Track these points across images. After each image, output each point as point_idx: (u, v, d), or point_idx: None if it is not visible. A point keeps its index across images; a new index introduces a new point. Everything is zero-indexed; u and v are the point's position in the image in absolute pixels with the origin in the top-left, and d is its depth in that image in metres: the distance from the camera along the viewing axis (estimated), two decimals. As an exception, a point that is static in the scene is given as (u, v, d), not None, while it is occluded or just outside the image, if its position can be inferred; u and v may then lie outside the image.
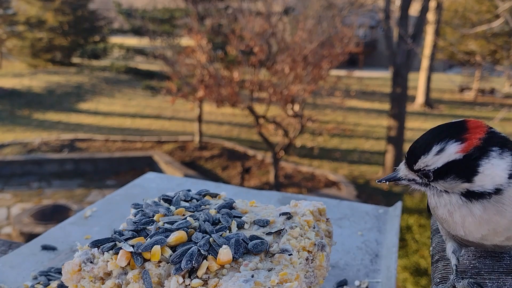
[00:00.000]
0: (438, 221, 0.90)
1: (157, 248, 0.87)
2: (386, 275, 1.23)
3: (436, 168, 0.78)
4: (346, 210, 1.56)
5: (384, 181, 0.87)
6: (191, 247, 0.87)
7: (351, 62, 20.40)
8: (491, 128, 0.78)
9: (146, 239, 0.90)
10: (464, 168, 0.76)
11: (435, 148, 0.77)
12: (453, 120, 0.82)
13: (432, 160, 0.77)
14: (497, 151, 0.75)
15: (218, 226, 0.95)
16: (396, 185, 0.84)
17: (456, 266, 0.92)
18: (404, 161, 0.84)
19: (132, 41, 15.05)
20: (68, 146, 12.22)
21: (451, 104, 18.33)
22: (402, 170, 0.84)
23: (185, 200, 1.10)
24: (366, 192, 10.20)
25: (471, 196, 0.78)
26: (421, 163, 0.79)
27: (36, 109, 15.53)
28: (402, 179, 0.84)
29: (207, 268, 0.84)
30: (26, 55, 21.50)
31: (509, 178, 0.75)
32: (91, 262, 0.90)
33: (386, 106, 13.41)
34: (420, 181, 0.83)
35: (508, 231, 0.80)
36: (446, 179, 0.78)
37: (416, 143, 0.82)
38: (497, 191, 0.76)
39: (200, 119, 12.65)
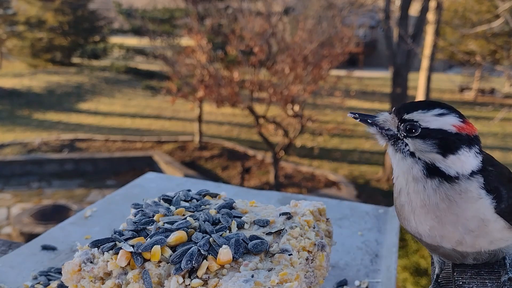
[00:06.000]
0: (397, 212, 0.91)
1: (157, 248, 0.87)
2: (386, 275, 1.23)
3: (427, 127, 0.80)
4: (346, 210, 1.56)
5: (357, 116, 0.85)
6: (191, 247, 0.87)
7: (351, 62, 20.37)
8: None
9: (146, 239, 0.90)
10: (449, 142, 0.79)
11: (437, 111, 0.80)
12: None
13: (429, 118, 0.80)
14: (476, 148, 0.82)
15: (218, 226, 0.95)
16: (367, 125, 0.85)
17: (437, 275, 0.96)
18: (392, 111, 0.84)
19: (132, 41, 15.04)
20: (68, 146, 12.21)
21: (451, 104, 18.26)
22: (384, 116, 0.84)
23: (185, 200, 1.10)
24: (366, 192, 10.19)
25: (432, 172, 0.80)
26: (416, 115, 0.80)
27: (36, 109, 15.52)
28: (376, 124, 0.84)
29: (207, 268, 0.84)
30: (26, 55, 21.48)
31: (470, 174, 0.80)
32: (91, 262, 0.90)
33: (386, 106, 13.41)
34: (395, 133, 0.83)
35: (455, 229, 0.82)
36: (427, 141, 0.80)
37: (415, 102, 0.83)
38: (455, 178, 0.80)
39: (200, 119, 12.64)
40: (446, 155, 0.80)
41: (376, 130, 0.85)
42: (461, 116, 0.82)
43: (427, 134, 0.80)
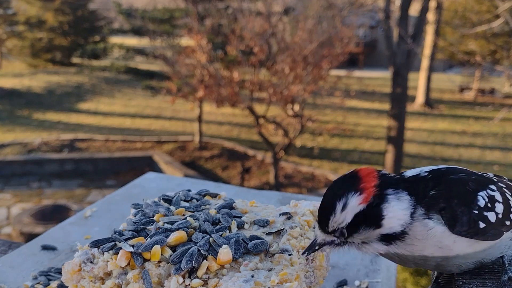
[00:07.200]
0: None
1: (157, 248, 0.87)
2: (386, 275, 1.23)
3: (347, 224, 0.80)
4: (346, 210, 1.55)
5: (307, 252, 0.85)
6: (191, 247, 0.87)
7: (351, 62, 20.39)
8: (381, 171, 0.82)
9: (146, 239, 0.90)
10: (371, 217, 0.79)
11: (339, 206, 0.79)
12: (346, 173, 0.83)
13: (341, 217, 0.79)
14: (393, 194, 0.80)
15: (218, 226, 0.95)
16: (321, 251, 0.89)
17: (436, 276, 0.97)
18: (318, 226, 0.84)
19: (132, 41, 15.05)
20: (68, 146, 12.22)
21: (451, 104, 18.33)
22: (319, 235, 0.84)
23: (185, 200, 1.09)
24: (366, 192, 10.17)
25: (387, 239, 0.81)
26: (333, 224, 0.80)
27: (36, 109, 15.53)
28: (322, 244, 0.84)
29: (207, 268, 0.84)
30: (26, 55, 21.48)
31: (411, 217, 0.79)
32: (91, 262, 0.90)
33: (386, 106, 13.39)
34: (338, 241, 0.83)
35: (428, 260, 0.83)
36: (359, 231, 0.81)
37: (321, 205, 0.82)
38: (403, 232, 0.80)
39: (200, 119, 12.65)
40: (379, 225, 0.79)
41: (328, 246, 0.85)
42: (355, 185, 0.79)
43: (353, 228, 0.80)
